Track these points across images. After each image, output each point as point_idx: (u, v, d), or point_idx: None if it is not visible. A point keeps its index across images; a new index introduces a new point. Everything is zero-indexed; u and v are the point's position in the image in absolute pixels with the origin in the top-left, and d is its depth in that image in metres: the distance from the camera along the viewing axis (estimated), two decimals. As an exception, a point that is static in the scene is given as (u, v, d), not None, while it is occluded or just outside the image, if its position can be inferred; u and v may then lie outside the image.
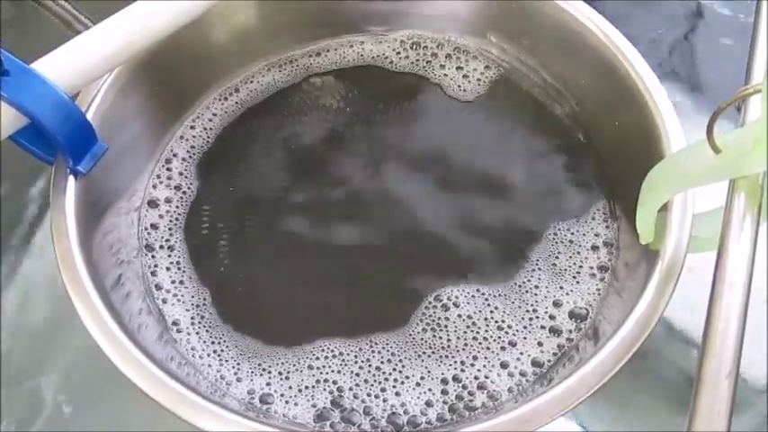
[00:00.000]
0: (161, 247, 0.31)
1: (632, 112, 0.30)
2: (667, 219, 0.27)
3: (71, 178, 0.28)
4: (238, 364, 0.29)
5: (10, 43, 0.25)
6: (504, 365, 0.28)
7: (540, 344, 0.29)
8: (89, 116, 0.29)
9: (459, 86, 0.36)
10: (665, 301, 0.26)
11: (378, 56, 0.37)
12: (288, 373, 0.28)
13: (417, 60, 0.36)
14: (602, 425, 0.35)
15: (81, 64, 0.27)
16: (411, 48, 0.37)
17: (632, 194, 0.27)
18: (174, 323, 0.30)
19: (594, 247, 0.31)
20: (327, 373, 0.28)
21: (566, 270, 0.30)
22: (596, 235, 0.31)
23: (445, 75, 0.36)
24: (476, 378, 0.28)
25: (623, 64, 0.31)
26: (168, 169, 0.33)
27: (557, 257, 0.31)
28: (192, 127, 0.35)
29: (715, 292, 0.22)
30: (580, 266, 0.31)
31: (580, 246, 0.31)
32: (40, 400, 0.35)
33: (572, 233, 0.31)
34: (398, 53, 0.37)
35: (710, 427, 0.20)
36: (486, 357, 0.29)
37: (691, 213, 0.27)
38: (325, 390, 0.28)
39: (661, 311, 0.26)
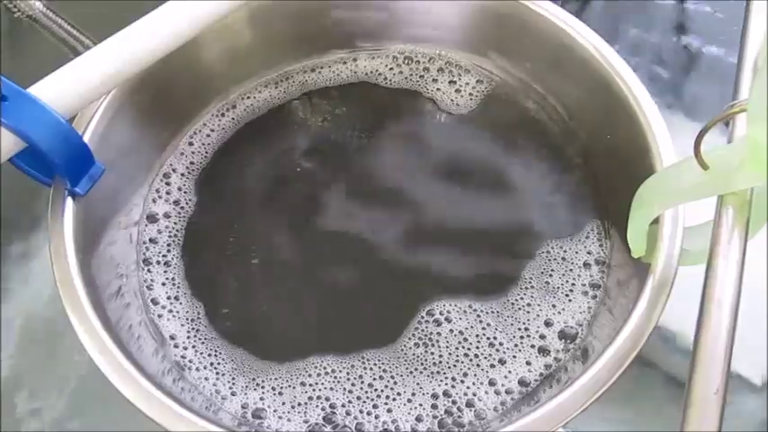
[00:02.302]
0: (158, 262, 0.32)
1: (624, 126, 0.31)
2: (658, 232, 0.28)
3: (69, 200, 0.28)
4: (233, 378, 0.29)
5: (5, 66, 0.25)
6: (492, 383, 0.29)
7: (528, 363, 0.29)
8: (86, 138, 0.29)
9: (452, 101, 0.36)
10: (658, 314, 0.26)
11: (371, 71, 0.37)
12: (281, 388, 0.29)
13: (410, 75, 0.37)
14: (601, 426, 0.35)
15: (77, 87, 0.27)
16: (404, 63, 0.37)
17: (625, 210, 0.27)
18: (172, 337, 0.30)
19: (587, 265, 0.31)
20: (320, 390, 0.29)
21: (558, 288, 0.31)
22: (589, 253, 0.32)
23: (438, 89, 0.36)
24: (465, 395, 0.28)
25: (614, 78, 0.31)
26: (167, 184, 0.34)
27: (550, 275, 0.31)
28: (190, 143, 0.35)
29: (704, 310, 0.23)
30: (573, 284, 0.31)
31: (573, 263, 0.31)
32: (40, 415, 0.35)
33: (565, 251, 0.32)
34: (391, 69, 0.37)
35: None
36: (475, 374, 0.29)
37: (681, 227, 0.27)
38: (317, 406, 0.28)
39: (654, 323, 0.26)
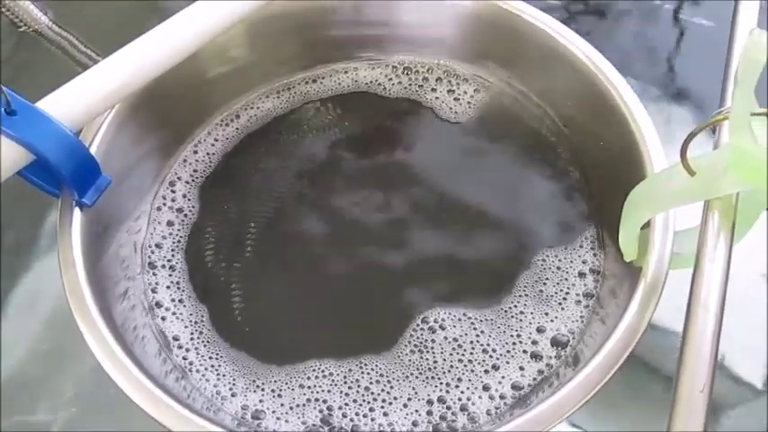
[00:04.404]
0: (163, 266, 0.33)
1: (616, 132, 0.31)
2: (650, 237, 0.28)
3: (77, 211, 0.29)
4: (234, 379, 0.30)
5: (11, 80, 0.26)
6: (486, 388, 0.29)
7: (521, 368, 0.30)
8: (92, 150, 0.30)
9: (450, 109, 0.37)
10: (649, 316, 0.27)
11: (371, 81, 0.38)
12: (280, 390, 0.30)
13: (410, 85, 0.37)
14: (596, 425, 0.35)
15: (84, 101, 0.28)
16: (403, 73, 0.38)
17: (618, 217, 0.28)
18: (175, 338, 0.31)
19: (581, 274, 0.32)
20: (318, 393, 0.29)
21: (552, 296, 0.31)
22: (584, 262, 0.32)
23: (437, 98, 0.37)
24: (459, 400, 0.29)
25: (605, 85, 0.32)
26: (173, 191, 0.35)
27: (544, 284, 0.31)
28: (195, 152, 0.36)
29: (690, 311, 0.23)
30: (566, 293, 0.31)
31: (567, 273, 0.32)
32: (43, 423, 0.36)
33: (560, 260, 0.32)
34: (391, 78, 0.38)
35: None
36: (469, 380, 0.29)
37: (672, 231, 0.28)
38: (315, 408, 0.29)
39: (645, 325, 0.26)
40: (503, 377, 0.29)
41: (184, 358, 0.30)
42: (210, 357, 0.30)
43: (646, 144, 0.30)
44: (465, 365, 0.30)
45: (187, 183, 0.35)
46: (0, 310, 0.39)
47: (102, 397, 0.36)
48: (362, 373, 0.30)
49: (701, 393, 0.21)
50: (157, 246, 0.33)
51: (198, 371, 0.30)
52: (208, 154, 0.36)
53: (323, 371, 0.30)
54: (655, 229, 0.28)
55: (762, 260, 0.39)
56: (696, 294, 0.23)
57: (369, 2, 0.36)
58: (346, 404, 0.29)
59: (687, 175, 0.24)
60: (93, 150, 0.30)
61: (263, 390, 0.30)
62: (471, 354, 0.30)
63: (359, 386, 0.29)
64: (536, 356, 0.30)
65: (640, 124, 0.30)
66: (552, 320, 0.31)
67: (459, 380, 0.29)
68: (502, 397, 0.29)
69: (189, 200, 0.35)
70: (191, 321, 0.31)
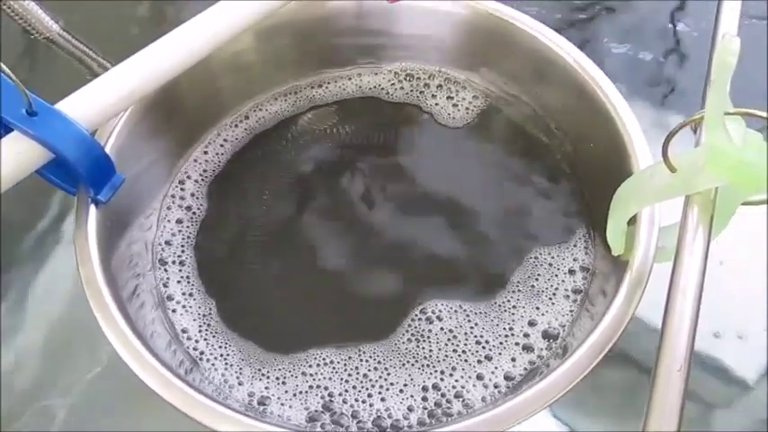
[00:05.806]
0: (173, 262, 0.34)
1: (604, 134, 0.33)
2: (636, 232, 0.29)
3: (92, 207, 0.30)
4: (241, 369, 0.31)
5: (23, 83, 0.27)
6: (479, 377, 0.30)
7: (513, 359, 0.31)
8: (107, 150, 0.32)
9: (449, 115, 0.38)
10: (634, 306, 0.28)
11: (374, 87, 0.39)
12: (284, 378, 0.31)
13: (411, 91, 0.39)
14: (585, 424, 0.36)
15: (100, 103, 0.30)
16: (405, 79, 0.39)
17: (607, 215, 0.29)
18: (184, 331, 0.32)
19: (572, 271, 0.33)
20: (320, 380, 0.31)
21: (543, 292, 0.32)
22: (575, 260, 0.33)
23: (436, 104, 0.39)
24: (453, 387, 0.30)
25: (594, 88, 0.33)
26: (182, 189, 0.36)
27: (536, 280, 0.33)
28: (204, 151, 0.38)
29: (670, 298, 0.24)
30: (556, 289, 0.33)
31: (558, 269, 0.33)
32: (50, 419, 0.37)
33: (552, 257, 0.33)
34: (393, 84, 0.39)
35: (664, 412, 0.22)
36: (463, 369, 0.31)
37: (657, 226, 0.29)
38: (317, 395, 0.30)
39: (630, 315, 0.28)
40: (495, 367, 0.31)
41: (194, 349, 0.32)
42: (220, 347, 0.32)
43: (633, 144, 0.31)
44: (459, 355, 0.31)
45: (196, 182, 0.37)
46: (1, 308, 0.40)
47: (106, 396, 0.37)
48: (361, 360, 0.31)
49: (678, 372, 0.23)
50: (167, 243, 0.35)
51: (208, 360, 0.31)
52: (217, 154, 0.38)
53: (324, 359, 0.31)
54: (641, 225, 0.29)
55: (761, 256, 0.39)
56: (676, 282, 0.24)
57: (370, 11, 0.38)
58: (346, 390, 0.30)
59: (669, 172, 0.26)
60: (107, 149, 0.32)
61: (268, 377, 0.31)
62: (465, 344, 0.31)
63: (358, 373, 0.31)
64: (527, 348, 0.31)
65: (627, 126, 0.32)
66: (543, 314, 0.32)
67: (454, 368, 0.31)
68: (495, 386, 0.30)
69: (198, 198, 0.36)
70: (199, 314, 0.33)
